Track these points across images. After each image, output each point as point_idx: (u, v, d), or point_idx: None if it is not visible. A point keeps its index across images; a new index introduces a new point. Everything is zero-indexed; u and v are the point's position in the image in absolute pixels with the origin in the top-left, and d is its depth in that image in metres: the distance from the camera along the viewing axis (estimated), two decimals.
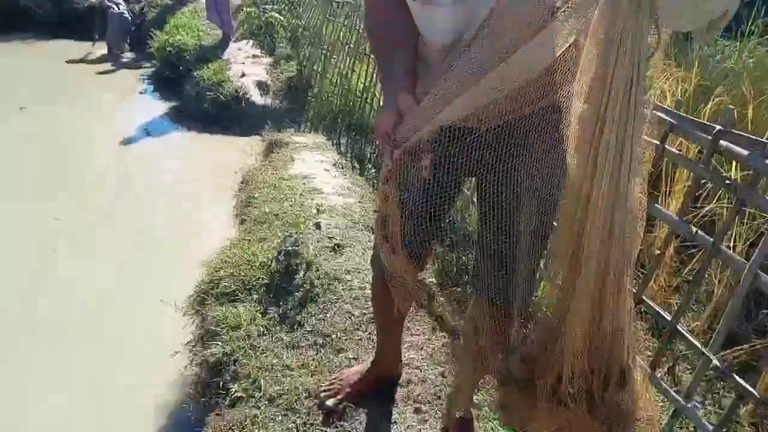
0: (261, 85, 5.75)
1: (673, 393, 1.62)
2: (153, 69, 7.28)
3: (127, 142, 5.46)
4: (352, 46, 4.62)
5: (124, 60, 8.08)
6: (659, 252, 1.70)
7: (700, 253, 2.25)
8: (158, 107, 6.14)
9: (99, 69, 7.64)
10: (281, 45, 6.45)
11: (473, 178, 1.41)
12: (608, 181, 0.83)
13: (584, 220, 0.89)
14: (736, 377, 1.41)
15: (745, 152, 1.31)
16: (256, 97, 5.60)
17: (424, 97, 1.08)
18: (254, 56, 6.45)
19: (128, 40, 8.28)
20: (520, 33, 0.89)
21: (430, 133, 1.06)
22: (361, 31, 4.50)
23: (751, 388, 1.38)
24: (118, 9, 7.98)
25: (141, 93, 6.75)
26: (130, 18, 8.18)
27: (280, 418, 1.77)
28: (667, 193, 2.35)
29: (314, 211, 2.73)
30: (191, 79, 5.84)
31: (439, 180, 1.19)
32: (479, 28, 1.01)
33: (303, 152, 3.66)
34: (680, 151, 1.85)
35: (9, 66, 7.69)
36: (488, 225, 1.22)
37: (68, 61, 7.85)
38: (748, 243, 2.29)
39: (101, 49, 8.12)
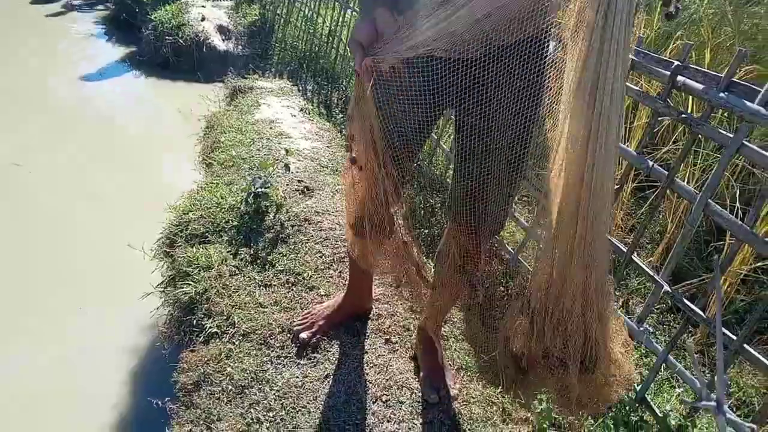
0: (222, 30, 5.56)
1: (626, 318, 1.73)
2: (107, 12, 6.94)
3: (84, 88, 5.25)
4: None
5: (75, 2, 7.67)
6: (617, 187, 1.78)
7: (657, 192, 2.36)
8: (115, 52, 5.90)
9: (49, 11, 7.24)
10: None
11: (450, 111, 1.44)
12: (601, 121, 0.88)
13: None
14: (685, 300, 1.52)
15: (701, 86, 1.37)
16: (218, 42, 5.42)
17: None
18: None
19: None
20: None
21: (407, 50, 1.08)
22: None
23: (698, 309, 1.49)
24: None
25: (95, 36, 6.44)
26: None
27: (254, 353, 1.82)
28: (627, 132, 2.43)
29: (282, 152, 2.72)
30: (148, 22, 5.59)
31: (419, 108, 1.21)
32: None
33: (269, 97, 3.60)
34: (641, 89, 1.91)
35: None
36: (465, 154, 1.25)
37: None
38: (701, 183, 2.40)
39: None
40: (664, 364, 1.58)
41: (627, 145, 2.41)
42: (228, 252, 2.20)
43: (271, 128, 3.08)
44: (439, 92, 1.18)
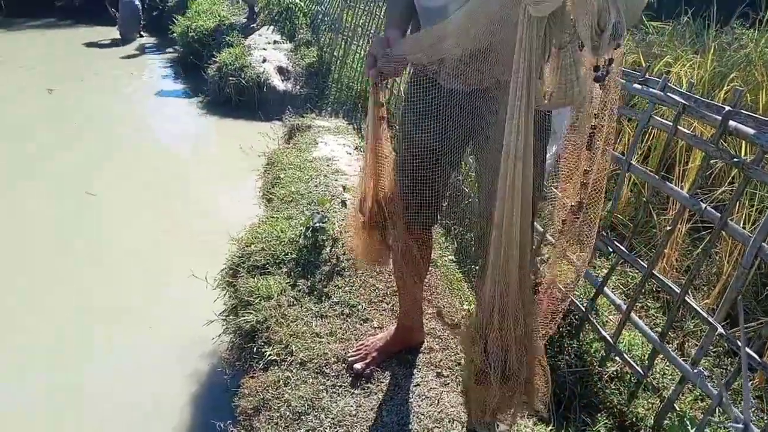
0: (282, 71, 5.86)
1: (680, 360, 1.72)
2: (176, 54, 7.42)
3: (151, 125, 5.63)
4: (372, 32, 4.70)
5: (148, 45, 8.26)
6: (670, 228, 1.79)
7: (711, 234, 2.34)
8: (181, 92, 6.30)
9: (123, 53, 7.82)
10: (301, 31, 6.55)
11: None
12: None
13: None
14: (739, 342, 1.51)
15: (752, 131, 1.40)
16: (277, 82, 5.71)
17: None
18: (275, 42, 6.56)
19: (140, 27, 8.50)
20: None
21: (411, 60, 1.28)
22: (381, 17, 4.58)
23: (755, 355, 1.48)
24: None
25: (164, 78, 6.90)
26: (140, 6, 8.39)
27: (311, 381, 1.90)
28: (681, 174, 2.43)
29: (339, 189, 2.85)
30: (213, 64, 5.95)
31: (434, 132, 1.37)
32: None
33: (326, 136, 3.77)
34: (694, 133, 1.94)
35: (37, 50, 7.90)
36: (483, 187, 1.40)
37: (86, 44, 8.08)
38: (756, 226, 2.37)
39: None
40: (719, 408, 1.56)
41: (681, 186, 2.42)
42: (287, 283, 2.31)
43: (328, 166, 3.23)
44: (450, 120, 1.32)
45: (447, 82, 1.28)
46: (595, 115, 1.08)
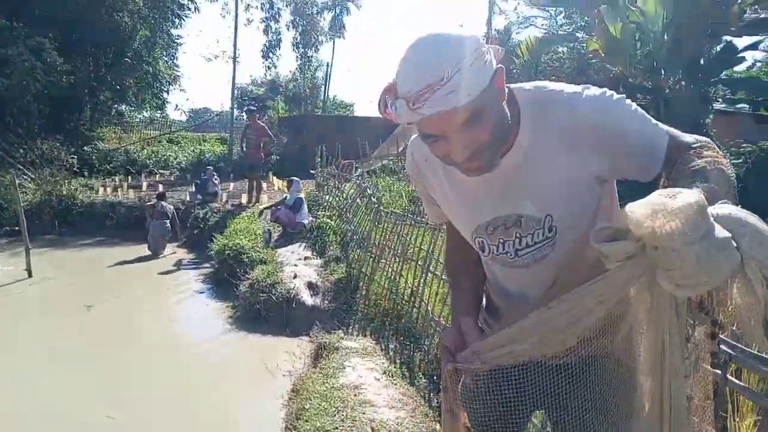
0: (311, 286, 6.02)
1: None
2: (211, 270, 7.76)
3: (183, 341, 5.67)
4: (399, 251, 4.91)
5: (185, 261, 8.74)
6: None
7: None
8: (214, 308, 6.43)
9: (161, 269, 8.22)
10: (331, 247, 6.88)
11: (541, 411, 1.45)
12: None
13: None
14: None
15: None
16: (306, 297, 5.82)
17: (485, 324, 1.35)
18: (306, 258, 6.86)
19: (166, 243, 9.30)
20: (581, 305, 1.00)
21: (490, 360, 1.15)
22: (406, 237, 4.82)
23: None
24: (161, 217, 9.15)
25: (198, 293, 7.13)
26: (169, 227, 9.28)
27: None
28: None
29: (368, 430, 2.69)
30: (246, 280, 6.17)
31: (507, 409, 1.25)
32: (547, 290, 1.20)
33: (353, 358, 3.70)
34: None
35: (81, 267, 8.39)
36: None
37: (126, 261, 8.61)
38: None
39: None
40: None
41: None
42: None
43: (355, 395, 3.10)
44: (528, 396, 1.22)
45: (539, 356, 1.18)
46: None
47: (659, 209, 0.88)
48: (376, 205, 6.00)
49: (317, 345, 4.40)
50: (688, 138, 1.15)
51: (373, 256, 5.54)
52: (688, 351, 1.06)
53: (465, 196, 1.25)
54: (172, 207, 9.68)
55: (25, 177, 11.40)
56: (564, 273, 1.20)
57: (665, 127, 1.15)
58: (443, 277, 4.01)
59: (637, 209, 0.91)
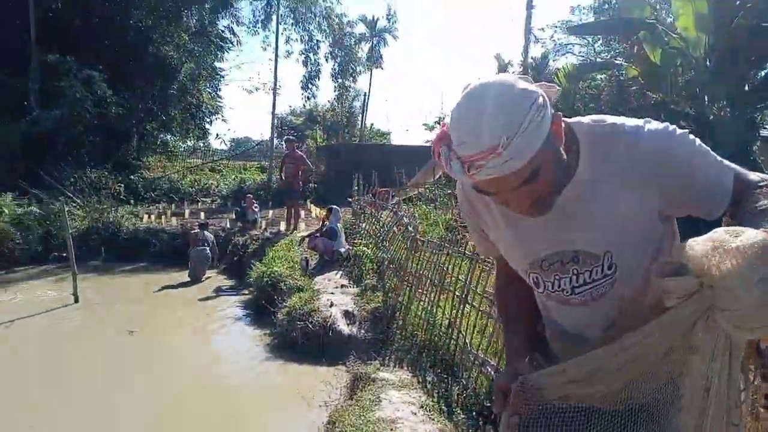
0: (348, 315, 6.00)
1: None
2: (249, 296, 7.85)
3: (221, 368, 5.71)
4: (436, 281, 4.86)
5: (224, 287, 8.88)
6: None
7: None
8: (252, 335, 6.48)
9: (201, 295, 8.37)
10: (368, 276, 6.87)
11: None
12: None
13: None
14: None
15: None
16: (343, 326, 5.80)
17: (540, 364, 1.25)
18: (342, 286, 6.87)
19: (206, 270, 9.55)
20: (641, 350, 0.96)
21: (550, 402, 1.11)
22: (443, 267, 4.78)
23: None
24: (201, 243, 9.42)
25: (236, 319, 7.21)
26: (209, 255, 9.55)
27: None
28: None
29: None
30: (283, 308, 6.20)
31: None
32: (605, 331, 1.15)
33: (390, 391, 3.65)
34: None
35: (123, 292, 8.61)
36: None
37: (168, 287, 8.81)
38: None
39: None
40: None
41: None
42: None
43: (392, 430, 3.05)
44: None
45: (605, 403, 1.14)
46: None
47: (719, 246, 0.85)
48: (413, 234, 5.98)
49: (353, 375, 4.37)
50: (754, 176, 1.11)
51: (409, 285, 5.50)
52: (743, 396, 1.00)
53: (520, 230, 1.22)
54: (212, 236, 9.91)
55: (74, 204, 11.86)
56: (624, 312, 1.15)
57: (730, 164, 1.12)
58: (481, 308, 3.94)
59: (697, 245, 0.88)
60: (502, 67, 30.62)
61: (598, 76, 14.76)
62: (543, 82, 1.08)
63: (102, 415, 4.43)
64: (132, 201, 14.51)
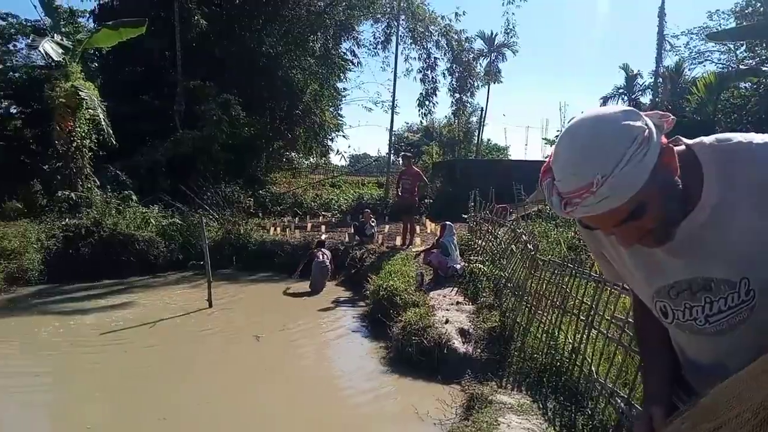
0: (463, 333, 5.90)
1: None
2: (366, 309, 8.01)
3: (338, 379, 5.87)
4: (557, 303, 4.64)
5: (342, 299, 9.15)
6: None
7: None
8: (368, 347, 6.59)
9: (320, 306, 8.69)
10: (484, 294, 6.73)
11: None
12: None
13: None
14: None
15: None
16: (458, 344, 5.72)
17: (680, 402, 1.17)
18: (458, 303, 6.79)
19: (325, 283, 9.95)
20: None
21: None
22: (566, 288, 4.54)
23: None
24: (321, 258, 9.89)
25: (353, 331, 7.38)
26: (330, 267, 9.99)
27: None
28: None
29: None
30: (399, 322, 6.25)
31: None
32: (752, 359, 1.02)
33: (508, 415, 3.52)
34: None
35: (250, 300, 9.19)
36: None
37: (289, 295, 9.27)
38: None
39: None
40: None
41: None
42: None
43: None
44: None
45: None
46: None
47: None
48: (532, 253, 5.77)
49: (469, 395, 4.28)
50: None
51: (528, 306, 5.30)
52: None
53: (642, 257, 1.14)
54: (329, 253, 10.38)
55: (210, 217, 12.91)
56: None
57: None
58: (609, 334, 3.69)
59: None
60: (630, 78, 28.93)
61: (742, 85, 13.46)
62: (656, 112, 1.02)
63: (226, 413, 4.72)
64: (260, 214, 15.50)
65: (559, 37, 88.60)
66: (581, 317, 4.10)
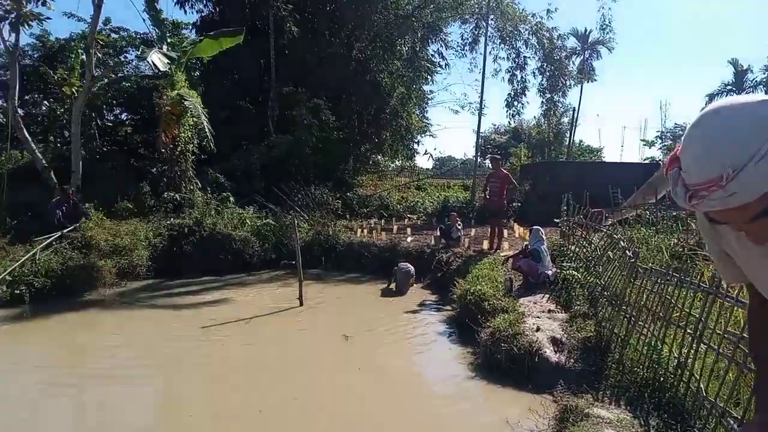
0: (555, 342, 5.70)
1: None
2: (452, 313, 7.95)
3: (425, 383, 5.88)
4: (661, 314, 4.36)
5: (428, 302, 9.15)
6: None
7: None
8: (455, 352, 6.53)
9: (406, 308, 8.72)
10: (578, 302, 6.46)
11: None
12: None
13: None
14: None
15: None
16: (550, 353, 5.53)
17: None
18: (550, 311, 6.56)
19: (410, 286, 10.06)
20: None
21: None
22: (670, 299, 4.26)
23: None
24: (404, 262, 10.14)
25: (439, 334, 7.34)
26: (413, 273, 10.08)
27: None
28: None
29: None
30: (487, 328, 6.13)
31: None
32: None
33: (607, 430, 3.36)
34: None
35: (339, 299, 9.40)
36: None
37: (378, 296, 9.37)
38: None
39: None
40: None
41: None
42: None
43: None
44: None
45: None
46: None
47: None
48: (632, 260, 5.46)
49: (562, 407, 4.12)
50: None
51: (627, 316, 5.02)
52: None
53: None
54: (412, 267, 10.28)
55: (301, 218, 13.34)
56: None
57: None
58: (720, 350, 3.42)
59: None
60: (740, 74, 26.77)
61: None
62: None
63: (316, 409, 4.85)
64: (347, 216, 15.82)
65: (658, 30, 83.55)
66: (688, 330, 3.83)
